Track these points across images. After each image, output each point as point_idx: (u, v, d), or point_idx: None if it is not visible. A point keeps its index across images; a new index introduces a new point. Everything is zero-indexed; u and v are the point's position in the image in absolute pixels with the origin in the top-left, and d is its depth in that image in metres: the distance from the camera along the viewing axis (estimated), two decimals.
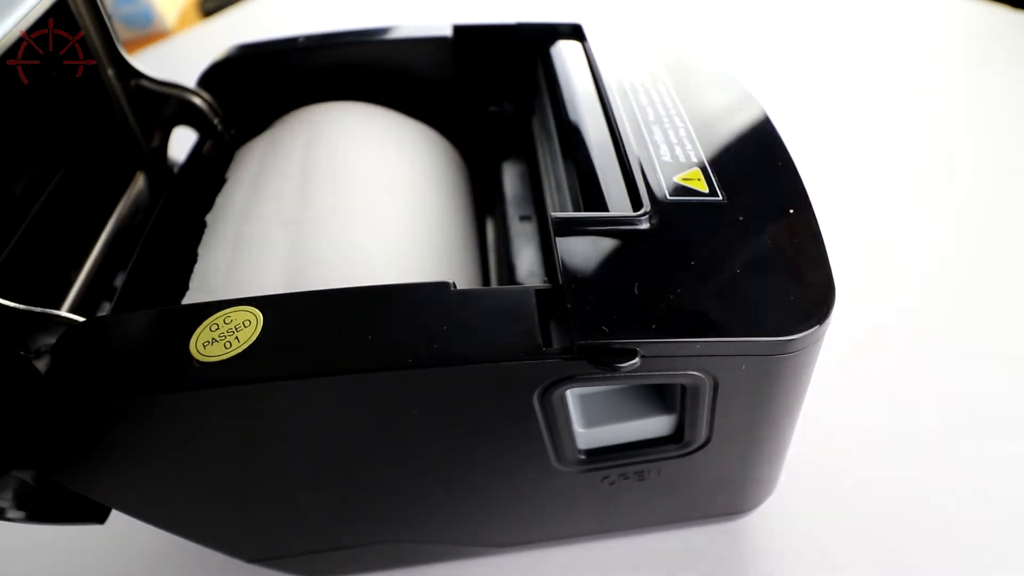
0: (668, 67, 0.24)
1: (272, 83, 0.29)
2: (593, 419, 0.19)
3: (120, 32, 0.26)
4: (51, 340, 0.16)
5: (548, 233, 0.18)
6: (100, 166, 0.26)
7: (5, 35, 0.19)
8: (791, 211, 0.18)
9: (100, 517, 0.19)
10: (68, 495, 0.18)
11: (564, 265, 0.17)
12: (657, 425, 0.19)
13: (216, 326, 0.16)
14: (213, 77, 0.29)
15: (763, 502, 0.26)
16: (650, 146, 0.20)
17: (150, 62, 0.28)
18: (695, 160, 0.20)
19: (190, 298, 0.21)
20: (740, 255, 0.17)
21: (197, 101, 0.28)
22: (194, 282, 0.22)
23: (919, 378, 0.31)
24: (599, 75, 0.24)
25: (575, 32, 0.28)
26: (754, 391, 0.18)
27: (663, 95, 0.23)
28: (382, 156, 0.26)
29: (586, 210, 0.19)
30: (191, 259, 0.23)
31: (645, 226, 0.18)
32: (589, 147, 0.21)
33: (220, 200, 0.25)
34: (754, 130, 0.21)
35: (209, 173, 0.27)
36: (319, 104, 0.28)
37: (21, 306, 0.16)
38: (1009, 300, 0.35)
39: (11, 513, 0.18)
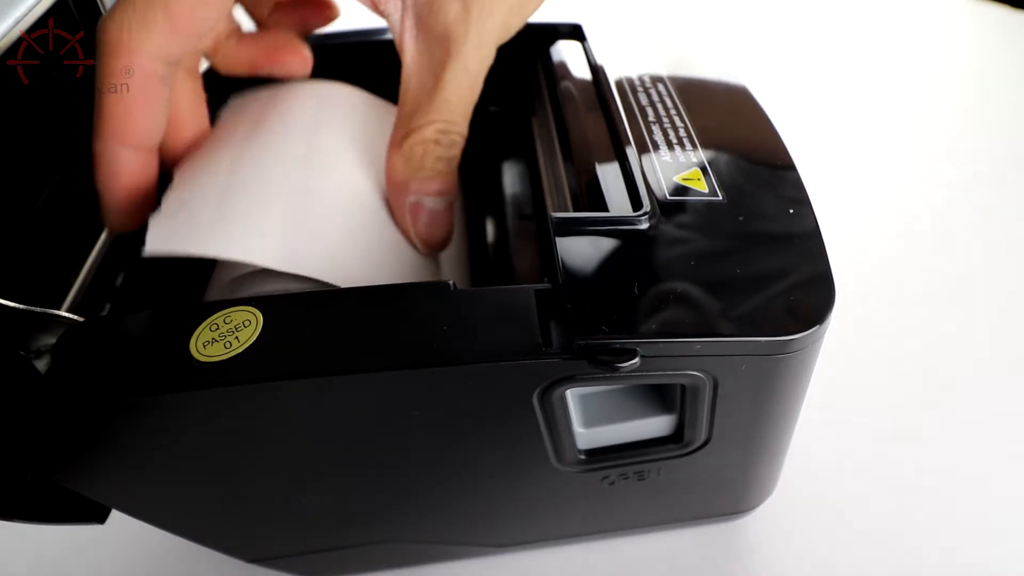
0: (668, 67, 0.24)
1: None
2: (593, 419, 0.19)
3: None
4: (51, 340, 0.16)
5: (548, 233, 0.18)
6: None
7: (5, 35, 0.19)
8: (791, 211, 0.18)
9: (100, 517, 0.19)
10: (68, 495, 0.18)
11: (564, 265, 0.17)
12: (657, 425, 0.19)
13: (216, 326, 0.16)
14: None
15: (763, 502, 0.26)
16: (650, 146, 0.20)
17: None
18: (695, 160, 0.20)
19: (161, 219, 0.19)
20: (740, 255, 0.17)
21: None
22: (168, 203, 0.20)
23: (920, 378, 0.31)
24: (599, 75, 0.24)
25: (575, 32, 0.28)
26: (754, 391, 0.18)
27: (663, 95, 0.23)
28: (382, 154, 0.25)
29: (586, 210, 0.19)
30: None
31: (645, 226, 0.18)
32: (589, 147, 0.21)
33: (213, 135, 0.24)
34: (754, 130, 0.21)
35: None
36: (328, 82, 0.28)
37: (21, 306, 0.16)
38: (1012, 301, 0.35)
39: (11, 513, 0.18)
